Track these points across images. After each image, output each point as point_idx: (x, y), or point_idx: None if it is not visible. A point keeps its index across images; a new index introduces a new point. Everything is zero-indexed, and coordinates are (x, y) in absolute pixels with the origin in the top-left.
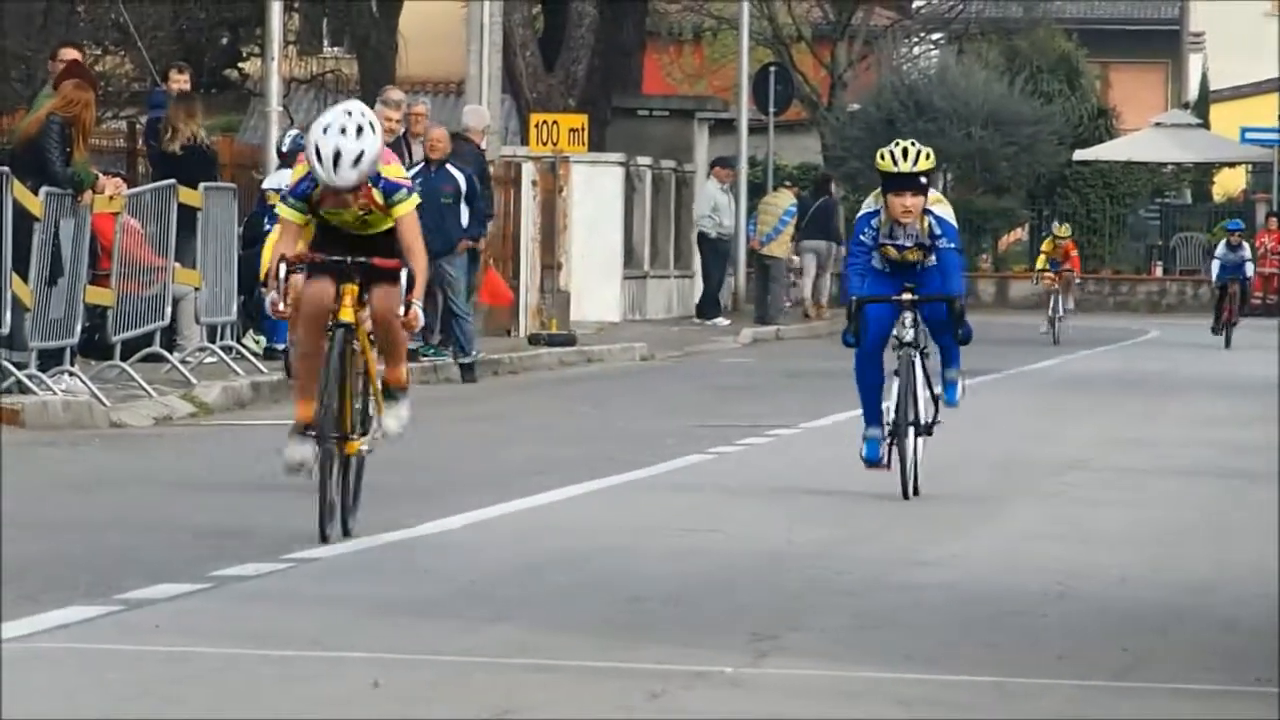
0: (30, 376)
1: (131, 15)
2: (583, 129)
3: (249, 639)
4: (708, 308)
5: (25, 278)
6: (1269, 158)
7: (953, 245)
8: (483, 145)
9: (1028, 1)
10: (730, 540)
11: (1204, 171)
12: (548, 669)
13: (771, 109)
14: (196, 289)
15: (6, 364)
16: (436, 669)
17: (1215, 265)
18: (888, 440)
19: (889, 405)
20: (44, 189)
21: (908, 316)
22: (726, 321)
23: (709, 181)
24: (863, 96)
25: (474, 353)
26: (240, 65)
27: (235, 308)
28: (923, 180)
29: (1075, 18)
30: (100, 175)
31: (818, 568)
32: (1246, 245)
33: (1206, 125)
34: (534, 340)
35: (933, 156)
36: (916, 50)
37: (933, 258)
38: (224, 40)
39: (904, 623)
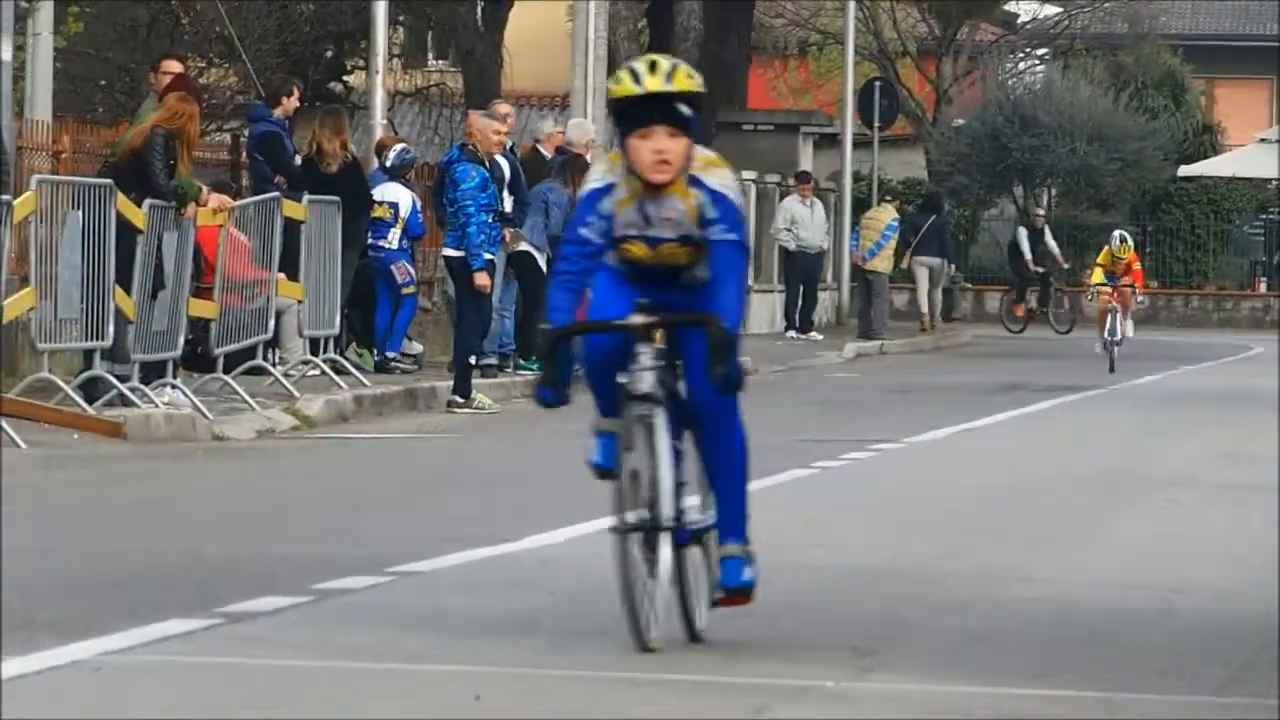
0: (133, 389)
1: (236, 28)
2: None
3: (350, 652)
4: (799, 321)
5: (128, 290)
6: None
7: (733, 236)
8: (588, 158)
9: (1133, 16)
10: (832, 555)
11: None
12: (649, 683)
13: (876, 124)
14: (300, 302)
15: (109, 376)
16: (537, 683)
17: None
18: (637, 546)
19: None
20: (147, 201)
21: (644, 354)
22: (820, 336)
23: (790, 195)
24: (968, 112)
25: (491, 351)
26: (345, 78)
27: (338, 321)
28: (685, 112)
29: (1180, 33)
30: (204, 189)
31: (920, 583)
32: None
33: None
34: None
35: (698, 78)
36: (1022, 66)
37: (702, 264)
38: (328, 53)
39: (1006, 638)
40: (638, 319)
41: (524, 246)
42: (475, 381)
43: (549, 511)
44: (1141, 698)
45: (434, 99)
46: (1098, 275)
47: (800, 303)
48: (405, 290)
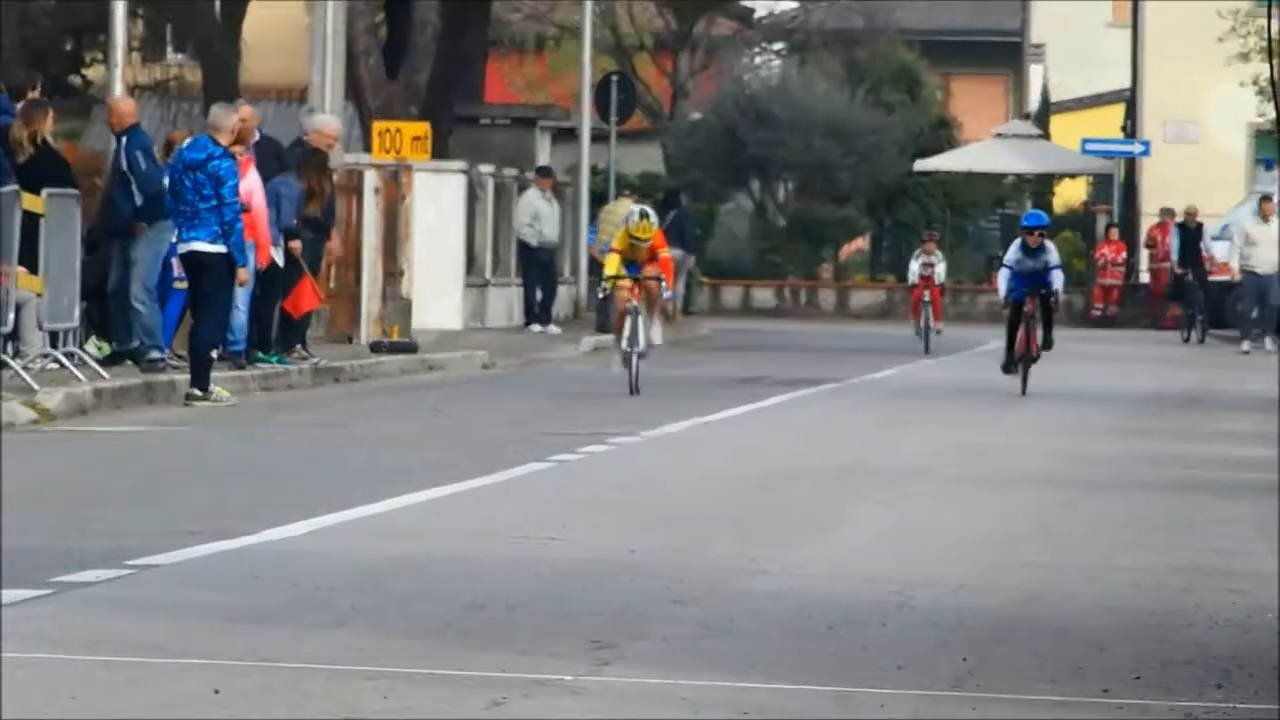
0: None
1: None
2: (426, 137)
3: (89, 645)
4: (536, 315)
5: None
6: (1109, 169)
7: None
8: (328, 153)
9: (869, 12)
10: (571, 548)
11: (1044, 182)
12: (388, 676)
13: (613, 118)
14: (39, 295)
15: None
16: (277, 676)
17: (1005, 275)
18: None
19: None
20: None
21: None
22: (558, 329)
23: (530, 190)
24: (704, 106)
25: (150, 346)
26: (84, 71)
27: (78, 314)
28: None
29: (917, 29)
30: None
31: (658, 576)
32: (1052, 246)
33: (1047, 136)
34: (375, 348)
35: None
36: (758, 60)
37: None
38: (68, 46)
39: (744, 632)
40: None
41: None
42: (213, 374)
43: (288, 504)
44: (878, 692)
45: (173, 92)
46: (613, 264)
47: (540, 296)
48: (179, 285)
